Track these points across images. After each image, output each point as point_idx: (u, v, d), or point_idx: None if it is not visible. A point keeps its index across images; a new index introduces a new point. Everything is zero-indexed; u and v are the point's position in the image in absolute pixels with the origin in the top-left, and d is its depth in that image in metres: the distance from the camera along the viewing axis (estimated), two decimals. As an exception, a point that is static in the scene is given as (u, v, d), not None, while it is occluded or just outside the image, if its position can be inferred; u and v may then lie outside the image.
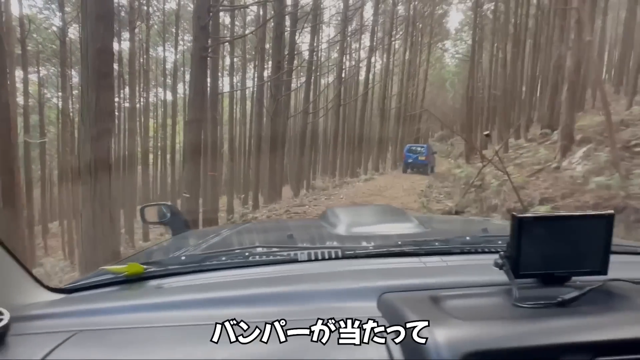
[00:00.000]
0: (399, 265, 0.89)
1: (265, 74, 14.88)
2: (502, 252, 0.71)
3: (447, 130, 61.06)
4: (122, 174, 18.80)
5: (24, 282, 0.78)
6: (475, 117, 21.57)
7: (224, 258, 0.95)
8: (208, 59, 7.42)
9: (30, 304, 0.75)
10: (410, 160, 19.29)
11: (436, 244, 1.01)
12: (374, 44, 19.90)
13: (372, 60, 20.91)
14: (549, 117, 11.53)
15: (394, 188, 13.69)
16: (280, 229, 1.66)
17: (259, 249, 1.01)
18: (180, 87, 23.63)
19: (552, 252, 0.69)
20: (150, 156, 32.88)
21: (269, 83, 12.94)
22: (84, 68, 3.76)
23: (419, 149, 19.56)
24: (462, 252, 0.97)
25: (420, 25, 27.67)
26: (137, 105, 17.85)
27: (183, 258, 1.01)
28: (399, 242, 0.99)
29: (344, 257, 0.94)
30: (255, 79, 16.90)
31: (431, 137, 48.95)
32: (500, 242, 0.96)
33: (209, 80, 8.72)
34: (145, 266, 0.88)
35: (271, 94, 12.21)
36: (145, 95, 19.53)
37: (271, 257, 0.95)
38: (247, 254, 0.98)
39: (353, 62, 20.90)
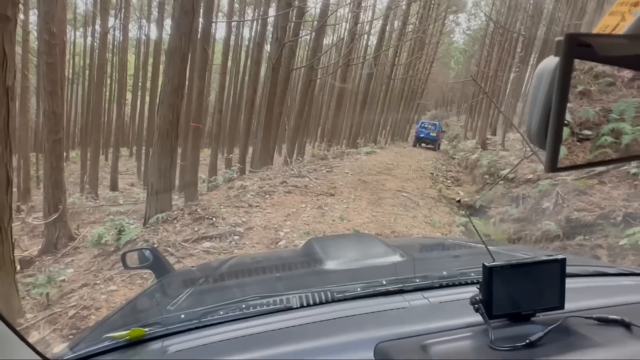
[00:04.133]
0: (387, 307, 0.97)
1: (271, 16, 12.64)
2: (476, 297, 0.81)
3: (440, 109, 59.73)
4: (80, 113, 16.52)
5: (19, 354, 0.69)
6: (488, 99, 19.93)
7: (221, 312, 0.97)
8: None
9: None
10: (422, 135, 20.69)
11: (417, 280, 1.09)
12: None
13: (388, 20, 18.61)
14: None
15: (402, 167, 12.16)
16: (268, 266, 1.64)
17: (252, 300, 1.02)
18: (167, 23, 20.76)
19: (518, 294, 0.81)
20: (129, 96, 30.19)
21: (273, 25, 10.80)
22: None
23: (430, 125, 20.97)
24: (440, 287, 1.07)
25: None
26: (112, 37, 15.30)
27: (182, 316, 0.98)
28: (384, 282, 1.07)
29: (335, 300, 1.00)
30: (259, 19, 14.55)
31: (424, 114, 47.50)
32: (473, 274, 1.09)
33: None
34: (146, 329, 0.89)
35: (276, 37, 10.14)
36: (124, 24, 16.81)
37: (265, 307, 0.98)
38: (243, 306, 0.99)
39: (368, 18, 18.57)
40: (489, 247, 0.92)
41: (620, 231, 4.78)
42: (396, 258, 1.36)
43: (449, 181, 13.21)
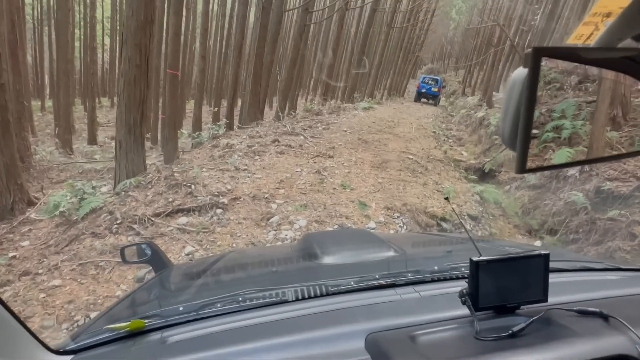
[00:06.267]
0: (379, 300, 0.98)
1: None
2: (464, 290, 0.83)
3: (437, 63, 57.19)
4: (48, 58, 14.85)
5: (24, 344, 0.74)
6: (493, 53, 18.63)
7: (219, 305, 0.98)
8: None
9: None
10: (423, 90, 20.52)
11: (409, 275, 1.11)
12: None
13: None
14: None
15: (402, 124, 11.31)
16: (265, 261, 1.65)
17: (250, 293, 1.03)
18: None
19: (503, 287, 0.83)
20: (108, 41, 27.91)
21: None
22: None
23: (432, 81, 20.89)
24: (432, 281, 1.09)
25: None
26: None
27: (181, 308, 0.99)
28: (377, 276, 1.08)
29: (329, 294, 1.01)
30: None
31: (419, 68, 45.57)
32: (463, 268, 1.11)
33: None
34: (146, 321, 0.90)
35: (267, -30, 8.77)
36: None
37: (261, 300, 0.99)
38: (240, 299, 1.00)
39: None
40: (477, 242, 0.92)
41: (666, 207, 4.16)
42: (390, 253, 1.38)
43: (450, 140, 12.47)
